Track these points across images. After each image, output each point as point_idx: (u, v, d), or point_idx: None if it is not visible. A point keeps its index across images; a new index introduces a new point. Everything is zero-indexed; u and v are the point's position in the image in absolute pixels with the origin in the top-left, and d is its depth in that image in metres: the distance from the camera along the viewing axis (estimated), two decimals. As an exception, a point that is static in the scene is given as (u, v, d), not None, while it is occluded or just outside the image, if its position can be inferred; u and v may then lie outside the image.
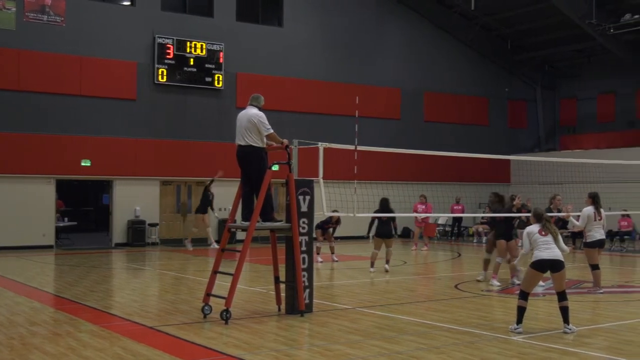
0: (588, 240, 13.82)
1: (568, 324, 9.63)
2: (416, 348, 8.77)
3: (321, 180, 12.22)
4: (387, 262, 17.23)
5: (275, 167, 11.04)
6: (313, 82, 29.49)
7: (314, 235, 19.46)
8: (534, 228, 9.93)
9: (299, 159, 11.45)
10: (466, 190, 28.94)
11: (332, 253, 19.90)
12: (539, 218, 10.01)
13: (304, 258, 11.16)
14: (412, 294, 14.42)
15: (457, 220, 29.60)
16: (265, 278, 15.70)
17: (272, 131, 10.82)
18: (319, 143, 12.16)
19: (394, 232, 17.30)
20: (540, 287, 12.79)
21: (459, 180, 30.51)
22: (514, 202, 14.76)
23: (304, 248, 11.19)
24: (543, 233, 9.79)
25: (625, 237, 24.22)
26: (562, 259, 9.72)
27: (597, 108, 34.60)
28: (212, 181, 23.56)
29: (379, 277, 16.57)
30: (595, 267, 13.69)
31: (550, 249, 9.70)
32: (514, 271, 14.57)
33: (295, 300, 11.01)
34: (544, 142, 36.08)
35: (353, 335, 9.55)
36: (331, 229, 19.79)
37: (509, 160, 32.39)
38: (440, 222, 30.19)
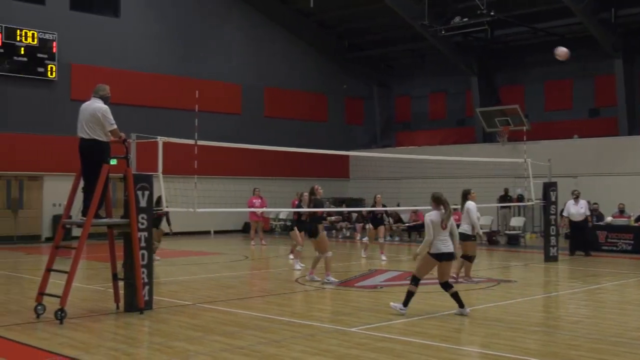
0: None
1: (463, 307, 10.45)
2: (258, 342, 8.82)
3: (160, 175, 12.02)
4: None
5: (113, 162, 10.77)
6: (152, 75, 28.90)
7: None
8: (436, 218, 10.42)
9: (137, 153, 11.20)
10: (306, 185, 29.33)
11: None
12: (438, 202, 10.51)
13: (143, 254, 10.96)
14: (253, 288, 14.49)
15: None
16: (102, 275, 15.25)
17: (115, 126, 10.55)
18: (158, 137, 11.94)
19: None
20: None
21: (298, 176, 30.88)
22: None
23: (143, 244, 10.99)
24: (444, 226, 10.36)
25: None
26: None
27: (429, 106, 36.11)
28: None
29: (221, 272, 16.51)
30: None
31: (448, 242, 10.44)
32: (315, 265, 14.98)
33: (134, 298, 10.78)
34: (380, 139, 37.20)
35: (193, 332, 9.47)
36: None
37: (347, 156, 33.17)
38: (281, 217, 30.47)
